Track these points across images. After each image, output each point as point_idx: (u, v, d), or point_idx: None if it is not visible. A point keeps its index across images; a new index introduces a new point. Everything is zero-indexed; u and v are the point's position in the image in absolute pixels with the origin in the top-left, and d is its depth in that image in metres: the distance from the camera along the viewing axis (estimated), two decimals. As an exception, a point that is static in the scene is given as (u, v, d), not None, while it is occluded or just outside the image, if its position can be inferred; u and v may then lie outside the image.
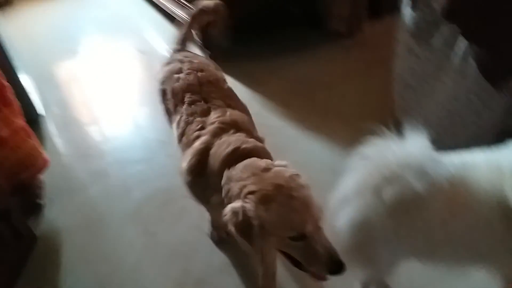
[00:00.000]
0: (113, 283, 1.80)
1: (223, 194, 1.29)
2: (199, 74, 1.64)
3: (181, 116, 1.54)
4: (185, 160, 1.46)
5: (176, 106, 1.60)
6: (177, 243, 1.95)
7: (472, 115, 1.95)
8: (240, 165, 1.27)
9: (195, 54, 1.86)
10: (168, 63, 1.78)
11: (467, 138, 1.96)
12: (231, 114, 1.49)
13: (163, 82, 1.72)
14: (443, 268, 1.43)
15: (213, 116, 1.47)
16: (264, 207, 1.14)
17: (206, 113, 1.50)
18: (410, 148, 1.26)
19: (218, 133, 1.41)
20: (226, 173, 1.29)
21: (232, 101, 1.60)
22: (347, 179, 1.36)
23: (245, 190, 1.19)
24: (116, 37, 4.08)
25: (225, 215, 1.19)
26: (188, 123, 1.51)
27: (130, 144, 2.67)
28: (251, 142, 1.39)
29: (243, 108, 1.63)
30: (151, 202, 2.18)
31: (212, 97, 1.56)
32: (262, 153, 1.39)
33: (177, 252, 1.91)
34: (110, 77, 3.42)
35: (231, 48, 3.33)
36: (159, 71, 1.79)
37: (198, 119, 1.50)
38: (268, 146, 2.44)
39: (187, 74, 1.64)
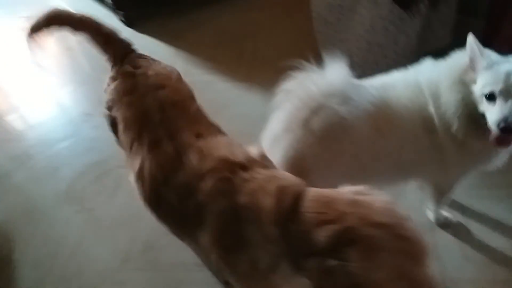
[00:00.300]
0: (55, 267, 1.72)
1: (293, 252, 0.89)
2: (160, 93, 1.20)
3: (142, 164, 1.11)
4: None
5: (132, 143, 1.18)
6: (118, 214, 1.88)
7: (390, 43, 2.01)
8: (309, 206, 0.88)
9: (150, 59, 1.37)
10: (114, 76, 1.31)
11: (387, 66, 2.03)
12: (210, 150, 1.05)
13: (110, 107, 1.28)
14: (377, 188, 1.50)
15: (191, 165, 1.03)
16: (372, 261, 0.80)
17: (176, 162, 1.06)
18: (331, 77, 1.28)
19: (226, 192, 0.96)
20: (292, 228, 0.88)
21: (201, 125, 1.18)
22: (275, 117, 1.36)
23: (334, 239, 0.82)
24: (13, 8, 3.67)
25: (314, 276, 0.84)
26: None
27: (51, 122, 2.48)
28: (279, 174, 1.00)
29: (216, 130, 1.21)
30: (83, 177, 2.06)
31: (178, 129, 1.12)
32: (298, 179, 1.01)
33: (120, 223, 1.85)
34: (17, 57, 3.11)
35: (147, 7, 3.14)
36: (106, 89, 1.32)
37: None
38: (200, 103, 2.38)
39: (143, 95, 1.20)
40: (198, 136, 1.11)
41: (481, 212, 1.72)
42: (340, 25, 2.11)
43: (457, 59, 1.30)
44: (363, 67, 2.06)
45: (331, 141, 1.27)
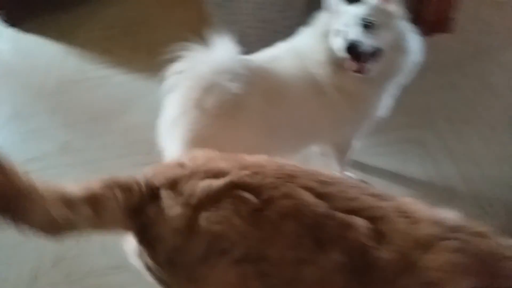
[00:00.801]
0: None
1: None
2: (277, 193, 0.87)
3: (324, 270, 0.83)
4: None
5: (302, 260, 0.85)
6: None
7: (280, 18, 2.05)
8: None
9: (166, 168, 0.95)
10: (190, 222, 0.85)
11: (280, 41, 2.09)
12: (416, 213, 0.85)
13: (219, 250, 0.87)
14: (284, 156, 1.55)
15: (399, 234, 0.82)
16: None
17: (375, 237, 0.83)
18: (219, 55, 1.28)
19: (467, 267, 0.77)
20: None
21: (356, 188, 0.91)
22: (169, 100, 1.34)
23: None
24: None
25: None
26: None
27: None
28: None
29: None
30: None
31: (348, 206, 0.86)
32: None
33: (24, 239, 1.69)
34: None
35: (31, 3, 2.88)
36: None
37: None
38: (101, 99, 2.24)
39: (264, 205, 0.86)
40: (381, 199, 0.87)
41: (380, 168, 1.86)
42: (231, 6, 2.11)
43: (321, 17, 1.41)
44: (258, 45, 2.09)
45: (226, 118, 1.28)
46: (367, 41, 1.25)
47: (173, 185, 0.87)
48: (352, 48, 1.24)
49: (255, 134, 1.34)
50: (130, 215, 0.86)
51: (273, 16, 2.03)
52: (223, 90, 1.24)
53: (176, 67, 1.28)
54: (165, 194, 0.86)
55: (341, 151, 1.66)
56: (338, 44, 1.30)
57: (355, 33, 1.26)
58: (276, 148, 1.47)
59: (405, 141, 1.95)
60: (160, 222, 0.85)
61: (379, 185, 1.79)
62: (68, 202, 0.80)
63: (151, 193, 0.87)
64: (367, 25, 1.27)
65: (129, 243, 0.92)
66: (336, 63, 1.34)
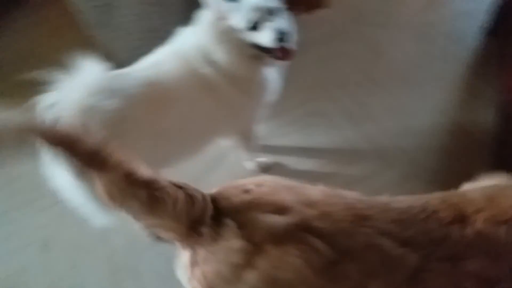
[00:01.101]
0: None
1: None
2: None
3: None
4: None
5: None
6: None
7: (162, 25, 2.04)
8: None
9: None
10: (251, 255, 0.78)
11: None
12: (498, 212, 0.82)
13: None
14: (187, 160, 1.55)
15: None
16: None
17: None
18: (87, 77, 1.24)
19: None
20: None
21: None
22: None
23: None
24: None
25: None
26: None
27: None
28: None
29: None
30: None
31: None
32: None
33: None
34: None
35: None
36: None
37: None
38: None
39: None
40: (463, 223, 0.80)
41: (289, 146, 1.94)
42: (111, 24, 2.07)
43: (206, 18, 1.39)
44: (145, 52, 2.08)
45: (114, 138, 1.25)
46: (288, 28, 1.32)
47: (235, 213, 0.80)
48: (283, 38, 1.30)
49: (147, 145, 1.32)
50: (186, 224, 0.78)
51: (155, 24, 2.03)
52: (101, 110, 1.21)
53: (45, 100, 1.19)
54: (226, 221, 0.79)
55: (246, 139, 1.71)
56: (264, 37, 1.32)
57: (279, 23, 1.31)
58: (178, 152, 1.48)
59: (307, 115, 2.04)
60: (215, 248, 0.78)
61: (291, 162, 1.87)
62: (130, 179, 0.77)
63: (214, 213, 0.80)
64: (272, 12, 1.33)
65: (182, 256, 0.87)
66: (247, 56, 1.38)
